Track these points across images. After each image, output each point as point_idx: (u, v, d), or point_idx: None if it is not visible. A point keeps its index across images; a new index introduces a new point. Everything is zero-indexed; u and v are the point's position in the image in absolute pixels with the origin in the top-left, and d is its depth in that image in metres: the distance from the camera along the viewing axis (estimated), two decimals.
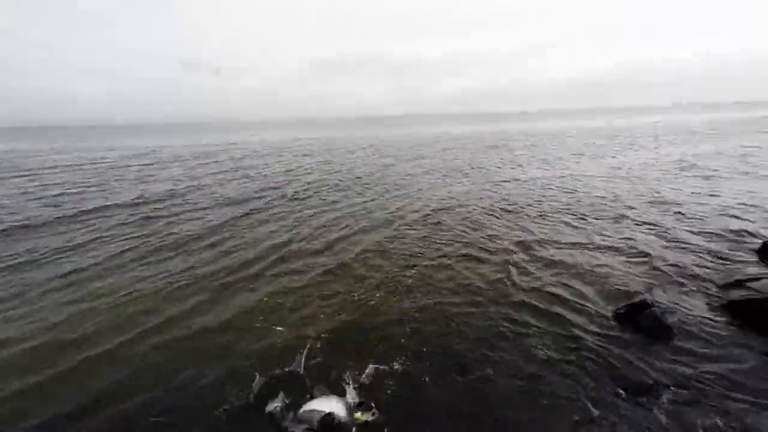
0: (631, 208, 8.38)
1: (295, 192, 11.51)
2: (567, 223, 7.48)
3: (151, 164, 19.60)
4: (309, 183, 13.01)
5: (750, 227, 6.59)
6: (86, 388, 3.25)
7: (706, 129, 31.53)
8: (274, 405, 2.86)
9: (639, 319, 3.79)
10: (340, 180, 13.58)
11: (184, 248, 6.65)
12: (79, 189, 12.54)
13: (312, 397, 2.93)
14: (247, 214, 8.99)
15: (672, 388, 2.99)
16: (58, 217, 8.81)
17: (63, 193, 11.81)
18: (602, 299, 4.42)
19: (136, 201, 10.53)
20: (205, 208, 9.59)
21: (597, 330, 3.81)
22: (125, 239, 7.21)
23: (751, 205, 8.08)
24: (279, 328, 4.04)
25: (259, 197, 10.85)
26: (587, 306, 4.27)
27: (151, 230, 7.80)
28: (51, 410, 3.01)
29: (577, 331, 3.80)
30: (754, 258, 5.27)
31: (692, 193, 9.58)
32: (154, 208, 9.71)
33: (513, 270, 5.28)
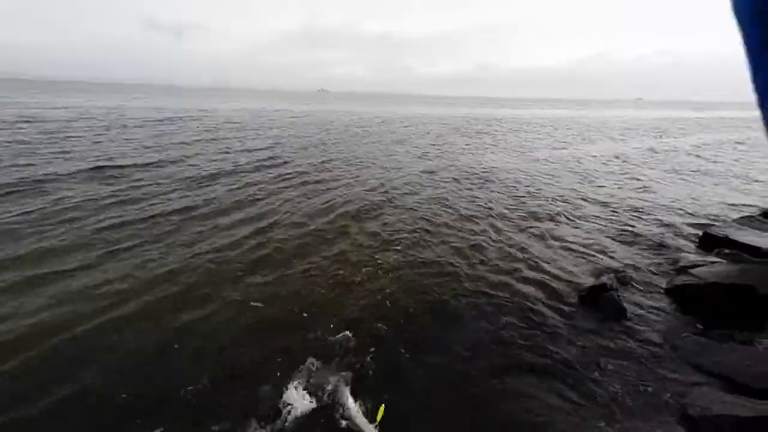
0: (609, 193, 9.40)
1: (285, 167, 11.17)
2: (557, 205, 8.28)
3: (113, 127, 18.04)
4: (300, 159, 12.53)
5: (697, 215, 7.75)
6: (73, 377, 3.11)
7: (667, 125, 33.64)
8: (290, 395, 2.84)
9: (599, 300, 4.22)
10: (331, 157, 13.23)
11: (162, 223, 6.30)
12: (28, 151, 11.33)
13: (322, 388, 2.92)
14: (232, 190, 8.55)
15: (619, 364, 3.38)
16: (7, 183, 7.97)
17: (5, 154, 10.56)
18: (579, 273, 5.10)
19: (102, 167, 9.75)
20: (183, 179, 9.10)
21: (565, 305, 4.33)
22: (94, 209, 6.74)
23: (701, 197, 9.16)
24: (277, 312, 4.01)
25: (245, 172, 10.38)
26: (562, 280, 4.90)
27: (123, 199, 7.35)
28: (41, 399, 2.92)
29: (552, 303, 4.35)
30: (697, 245, 5.97)
31: (656, 183, 10.79)
32: (123, 175, 9.10)
33: (507, 244, 6.02)
